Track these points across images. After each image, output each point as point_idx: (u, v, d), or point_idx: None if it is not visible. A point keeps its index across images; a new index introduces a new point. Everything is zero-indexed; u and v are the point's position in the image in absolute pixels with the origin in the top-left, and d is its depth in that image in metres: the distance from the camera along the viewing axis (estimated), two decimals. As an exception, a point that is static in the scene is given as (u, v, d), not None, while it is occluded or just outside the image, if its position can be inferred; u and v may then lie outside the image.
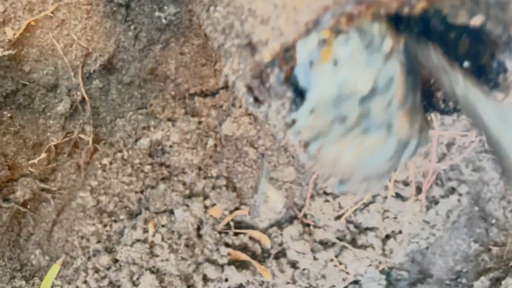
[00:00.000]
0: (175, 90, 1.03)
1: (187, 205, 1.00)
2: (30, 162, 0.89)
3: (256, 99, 0.45)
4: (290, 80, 0.42)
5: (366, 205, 1.02)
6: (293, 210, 1.02)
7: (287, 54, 0.41)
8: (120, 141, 1.00)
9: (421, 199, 1.07)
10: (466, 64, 0.43)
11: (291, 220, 1.02)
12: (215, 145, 1.03)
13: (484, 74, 0.43)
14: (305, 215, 1.02)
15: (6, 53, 0.84)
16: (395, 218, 1.05)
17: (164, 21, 1.00)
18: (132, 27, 0.99)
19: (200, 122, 1.03)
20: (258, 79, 0.42)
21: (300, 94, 0.43)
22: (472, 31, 0.42)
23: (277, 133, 0.46)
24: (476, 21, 0.38)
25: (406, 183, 1.06)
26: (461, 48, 0.43)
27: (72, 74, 0.94)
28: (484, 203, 1.16)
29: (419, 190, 1.07)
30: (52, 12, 0.90)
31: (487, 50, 0.42)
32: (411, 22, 0.47)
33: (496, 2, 0.36)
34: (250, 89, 0.44)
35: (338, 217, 1.02)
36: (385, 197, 1.04)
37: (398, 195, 1.05)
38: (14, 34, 0.85)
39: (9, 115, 0.88)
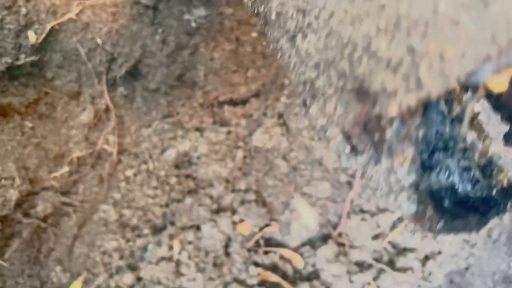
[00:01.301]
0: (204, 98, 0.97)
1: (215, 221, 0.94)
2: (52, 175, 0.84)
3: (354, 148, 0.38)
4: (411, 136, 0.35)
5: (405, 224, 0.96)
6: (327, 229, 0.96)
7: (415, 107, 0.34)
8: (145, 152, 0.94)
9: (462, 217, 1.00)
10: None
11: (324, 239, 0.96)
12: (245, 157, 0.97)
13: None
14: (339, 234, 0.96)
15: (28, 59, 0.78)
16: (434, 237, 0.98)
17: (193, 24, 0.94)
18: (159, 30, 0.93)
19: (229, 132, 0.97)
20: (360, 127, 0.35)
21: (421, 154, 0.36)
22: None
23: (380, 190, 0.40)
24: None
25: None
26: None
27: (96, 81, 0.88)
28: (526, 220, 1.09)
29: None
30: (76, 15, 0.84)
31: None
32: None
33: None
34: (348, 137, 0.37)
35: (375, 237, 0.95)
36: (435, 238, 0.97)
37: (438, 214, 0.98)
38: (37, 39, 0.80)
39: (30, 125, 0.83)
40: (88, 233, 0.92)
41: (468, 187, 0.42)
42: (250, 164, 0.97)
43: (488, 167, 0.43)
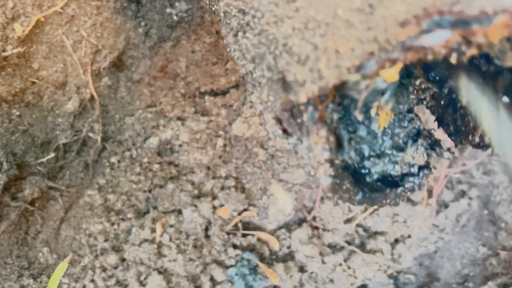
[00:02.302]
0: (185, 88, 1.01)
1: (196, 205, 0.99)
2: (39, 160, 0.88)
3: (285, 131, 0.43)
4: (324, 118, 0.40)
5: (376, 209, 1.01)
6: (302, 213, 1.02)
7: (322, 94, 0.39)
8: (129, 140, 0.99)
9: (432, 203, 1.05)
10: (505, 99, 0.42)
11: (300, 222, 1.01)
12: (225, 145, 1.02)
13: None
14: (314, 218, 1.01)
15: (15, 50, 0.82)
16: (404, 222, 1.04)
17: (175, 18, 0.98)
18: (142, 23, 0.97)
19: (210, 122, 1.01)
20: (288, 112, 0.41)
21: (334, 133, 0.41)
22: None
23: (306, 167, 0.45)
24: None
25: (416, 187, 1.05)
26: (500, 83, 0.42)
27: (81, 71, 0.92)
28: (494, 206, 1.15)
29: (430, 194, 1.06)
30: (61, 8, 0.88)
31: None
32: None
33: None
34: (278, 121, 0.42)
35: (347, 221, 1.01)
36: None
37: (408, 200, 1.04)
38: (23, 31, 0.84)
39: (17, 113, 0.87)
40: (74, 217, 0.97)
41: (386, 164, 0.48)
42: (230, 152, 1.02)
43: (405, 148, 0.48)
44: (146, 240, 0.97)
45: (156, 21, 0.98)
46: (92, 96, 0.94)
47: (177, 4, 0.98)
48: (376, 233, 1.02)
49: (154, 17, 0.98)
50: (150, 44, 0.98)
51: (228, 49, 0.50)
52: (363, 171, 0.47)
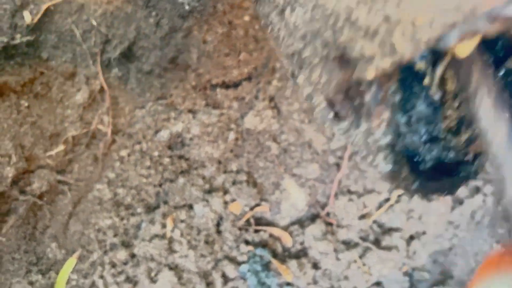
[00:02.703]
0: (197, 80, 0.99)
1: (207, 200, 0.97)
2: (48, 153, 0.86)
3: (337, 114, 0.41)
4: (387, 99, 0.37)
5: (391, 205, 0.99)
6: (315, 208, 0.99)
7: (392, 71, 0.36)
8: (139, 133, 0.96)
9: (447, 199, 1.03)
10: None
11: (313, 218, 0.99)
12: (236, 139, 0.99)
13: None
14: (328, 214, 0.99)
15: (24, 39, 0.80)
16: (419, 218, 1.02)
17: (187, 7, 0.96)
18: (153, 13, 0.94)
19: (221, 115, 0.99)
20: (342, 94, 0.38)
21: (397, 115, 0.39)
22: None
23: (360, 153, 0.42)
24: None
25: (432, 183, 1.03)
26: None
27: (90, 62, 0.90)
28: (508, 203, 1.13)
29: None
30: (71, -4, 0.85)
31: None
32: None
33: None
34: (331, 103, 0.40)
35: (362, 217, 0.99)
36: (411, 197, 1.00)
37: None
38: (32, 19, 0.81)
39: (26, 104, 0.84)
40: (83, 211, 0.95)
41: (442, 151, 0.45)
42: (242, 146, 1.00)
43: (459, 132, 0.45)
44: (156, 236, 0.94)
45: (168, 11, 0.95)
46: (101, 88, 0.91)
47: (189, -7, 0.95)
48: (391, 229, 1.00)
49: (166, 6, 0.95)
50: (161, 35, 0.96)
51: (269, 30, 0.48)
52: (419, 158, 0.45)
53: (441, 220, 1.04)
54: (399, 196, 1.00)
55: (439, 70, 0.36)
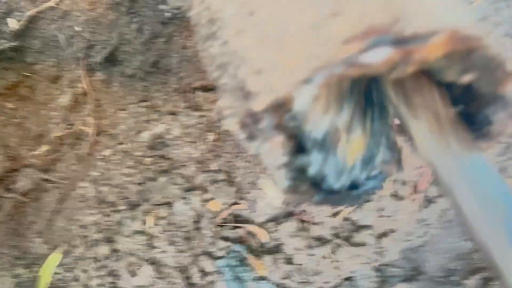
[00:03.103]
0: (178, 83, 1.03)
1: (187, 198, 1.01)
2: (32, 153, 0.90)
3: (249, 135, 0.46)
4: (282, 125, 0.43)
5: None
6: (290, 207, 1.04)
7: (278, 103, 0.42)
8: (122, 134, 1.01)
9: (418, 198, 1.08)
10: (460, 107, 0.44)
11: (287, 216, 1.04)
12: (216, 140, 1.04)
13: (471, 123, 0.45)
14: (301, 212, 1.03)
15: (9, 44, 0.84)
16: (390, 216, 1.06)
17: (167, 14, 1.00)
18: (135, 19, 0.98)
19: (201, 117, 1.03)
20: (250, 118, 0.43)
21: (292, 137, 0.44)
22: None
23: (269, 169, 0.47)
24: (466, 79, 0.40)
25: (403, 182, 1.08)
26: (456, 90, 0.44)
27: (74, 66, 0.94)
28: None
29: (415, 189, 1.09)
30: (55, 4, 0.89)
31: (476, 102, 0.44)
32: None
33: (486, 63, 0.38)
34: (242, 126, 0.45)
35: (334, 215, 1.03)
36: (381, 196, 1.05)
37: (394, 194, 1.06)
38: (18, 26, 0.85)
39: (11, 106, 0.89)
40: (68, 208, 0.99)
41: (336, 175, 0.50)
42: (221, 146, 1.04)
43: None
44: (137, 232, 0.99)
45: (149, 18, 0.99)
46: (85, 91, 0.96)
47: (169, 1, 1.00)
48: (362, 227, 1.04)
49: (147, 13, 0.99)
50: (143, 40, 1.00)
51: (200, 55, 0.53)
52: (316, 177, 0.50)
53: (412, 218, 1.08)
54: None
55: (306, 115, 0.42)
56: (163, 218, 1.00)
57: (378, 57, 0.35)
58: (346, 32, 0.35)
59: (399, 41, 0.35)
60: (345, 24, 0.36)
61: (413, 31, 0.34)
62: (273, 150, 0.43)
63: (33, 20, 0.88)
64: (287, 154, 0.43)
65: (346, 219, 1.04)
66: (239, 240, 1.02)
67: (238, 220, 1.03)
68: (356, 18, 0.35)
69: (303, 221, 1.03)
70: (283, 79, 0.38)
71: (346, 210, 1.02)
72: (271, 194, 1.04)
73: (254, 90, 0.40)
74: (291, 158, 0.43)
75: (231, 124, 0.46)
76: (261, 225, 1.03)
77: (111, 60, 0.99)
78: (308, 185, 0.47)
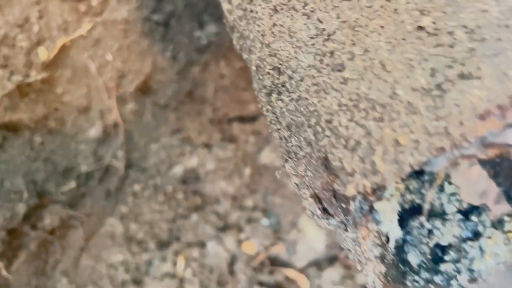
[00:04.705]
0: (213, 114, 0.97)
1: (220, 238, 0.94)
2: (60, 189, 0.85)
3: (326, 210, 0.37)
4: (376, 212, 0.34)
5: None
6: (334, 250, 0.95)
7: (380, 190, 0.33)
8: (153, 167, 0.95)
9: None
10: None
11: (331, 260, 0.94)
12: (252, 174, 0.96)
13: None
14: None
15: (39, 76, 0.80)
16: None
17: (204, 41, 0.94)
18: (170, 47, 0.93)
19: (237, 149, 0.96)
20: (330, 192, 0.34)
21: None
22: None
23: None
24: None
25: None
26: None
27: (105, 96, 0.89)
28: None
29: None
30: (87, 32, 0.85)
31: None
32: None
33: None
34: (318, 199, 0.36)
35: (383, 261, 0.93)
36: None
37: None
38: (48, 56, 0.81)
39: (40, 140, 0.84)
40: (95, 246, 0.93)
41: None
42: (258, 181, 0.97)
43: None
44: (168, 274, 0.92)
45: (184, 45, 0.94)
46: (116, 122, 0.90)
47: (206, 27, 0.94)
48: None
49: (183, 40, 0.94)
50: (177, 68, 0.94)
51: (260, 107, 0.44)
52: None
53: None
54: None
55: (429, 196, 0.32)
56: (194, 259, 0.93)
57: None
58: (483, 102, 0.26)
59: None
60: (480, 91, 0.26)
61: None
62: (364, 240, 0.33)
63: (64, 49, 0.84)
64: (382, 245, 0.33)
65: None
66: (277, 286, 0.93)
67: (276, 263, 0.95)
68: (495, 83, 0.26)
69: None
70: (391, 159, 0.28)
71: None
72: (312, 236, 0.95)
73: (346, 168, 0.30)
74: (386, 248, 0.33)
75: (303, 196, 0.37)
76: (301, 270, 0.94)
77: (143, 89, 0.94)
78: (399, 274, 0.36)
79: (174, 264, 0.93)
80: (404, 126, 0.28)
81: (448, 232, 0.34)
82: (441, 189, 0.34)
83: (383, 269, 0.34)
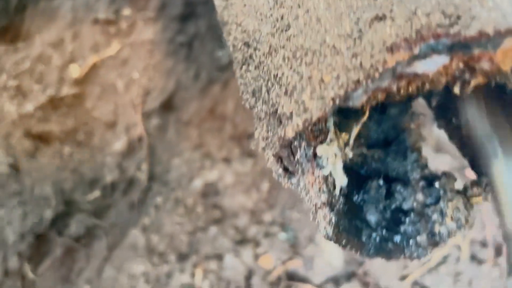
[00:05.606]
0: (233, 130, 1.00)
1: (238, 251, 0.95)
2: (86, 198, 0.90)
3: (286, 170, 0.39)
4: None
5: (436, 266, 0.91)
6: (351, 266, 0.94)
7: (316, 127, 0.35)
8: (175, 181, 0.98)
9: (501, 263, 0.93)
10: None
11: (349, 277, 0.93)
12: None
13: None
14: (365, 273, 0.93)
15: (70, 92, 0.86)
16: (469, 283, 0.92)
17: (225, 60, 0.99)
18: (193, 66, 0.99)
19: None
20: (287, 149, 0.37)
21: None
22: None
23: (309, 210, 0.40)
24: None
25: (483, 244, 0.94)
26: None
27: (131, 112, 0.94)
28: None
29: (498, 252, 0.94)
30: (116, 52, 0.92)
31: None
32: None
33: None
34: (279, 158, 0.39)
35: (402, 278, 0.91)
36: (458, 259, 0.92)
37: (473, 257, 0.92)
38: (80, 73, 0.88)
39: (69, 151, 0.90)
40: (118, 257, 0.97)
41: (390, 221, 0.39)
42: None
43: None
44: (186, 285, 0.93)
45: (206, 64, 0.99)
46: (141, 137, 0.95)
47: (227, 47, 0.99)
48: (435, 293, 0.91)
49: (205, 60, 0.99)
50: (199, 86, 0.99)
51: (238, 83, 0.48)
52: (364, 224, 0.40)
53: (494, 286, 0.93)
54: (445, 257, 0.92)
55: (355, 131, 0.34)
56: (212, 272, 0.94)
57: (434, 66, 0.28)
58: (392, 37, 0.28)
59: (459, 46, 0.28)
60: (390, 29, 0.29)
61: (477, 31, 0.27)
62: (311, 186, 0.35)
63: (94, 68, 0.90)
64: (328, 190, 0.35)
65: (416, 283, 0.92)
66: (293, 301, 0.92)
67: (293, 279, 0.94)
68: (404, 21, 0.28)
69: (367, 284, 0.92)
70: (317, 96, 0.31)
71: (415, 273, 0.90)
72: (330, 251, 0.95)
73: (286, 112, 0.33)
74: (334, 195, 0.35)
75: (267, 157, 0.40)
76: (318, 286, 0.93)
77: (167, 106, 0.99)
78: (353, 227, 0.37)
79: (193, 276, 0.94)
80: (328, 66, 0.30)
81: (409, 197, 0.35)
82: (404, 156, 0.35)
83: (333, 217, 0.35)
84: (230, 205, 0.98)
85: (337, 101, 0.30)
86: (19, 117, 0.85)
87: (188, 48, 0.98)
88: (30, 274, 0.85)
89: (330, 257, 0.95)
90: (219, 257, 0.95)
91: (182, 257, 0.97)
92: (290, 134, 0.33)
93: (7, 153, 0.84)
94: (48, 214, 0.86)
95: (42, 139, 0.86)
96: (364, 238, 0.37)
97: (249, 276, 0.94)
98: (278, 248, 0.95)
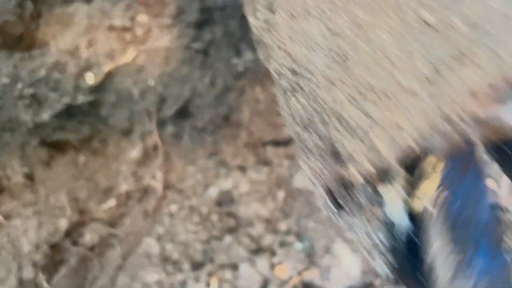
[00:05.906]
0: (248, 138, 0.99)
1: (253, 261, 0.94)
2: (101, 207, 0.89)
3: (339, 205, 0.38)
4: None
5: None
6: (369, 277, 0.92)
7: (382, 173, 0.34)
8: (190, 189, 0.97)
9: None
10: None
11: (366, 287, 0.92)
12: (286, 198, 0.97)
13: None
14: (382, 284, 0.91)
15: (86, 99, 0.86)
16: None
17: (241, 68, 0.98)
18: (208, 73, 0.98)
19: (271, 173, 0.98)
20: (342, 185, 0.35)
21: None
22: None
23: (361, 248, 0.38)
24: None
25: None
26: None
27: (147, 120, 0.94)
28: None
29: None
30: (131, 59, 0.91)
31: None
32: None
33: None
34: (331, 193, 0.37)
35: (421, 290, 0.89)
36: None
37: None
38: (95, 81, 0.87)
39: (84, 160, 0.89)
40: (132, 265, 0.96)
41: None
42: (291, 205, 0.97)
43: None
44: (200, 295, 0.93)
45: (222, 71, 0.98)
46: (156, 144, 0.95)
47: (243, 54, 0.98)
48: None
49: (220, 67, 0.98)
50: (215, 94, 0.98)
51: (281, 110, 0.47)
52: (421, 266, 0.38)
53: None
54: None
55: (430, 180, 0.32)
56: (227, 281, 0.93)
57: None
58: (476, 82, 0.27)
59: None
60: (474, 72, 0.27)
61: None
62: (367, 223, 0.34)
63: (110, 75, 0.90)
64: (387, 232, 0.33)
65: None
66: (310, 312, 0.91)
67: (309, 288, 0.93)
68: (490, 64, 0.27)
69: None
70: (393, 142, 0.30)
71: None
72: (347, 261, 0.93)
73: (352, 154, 0.32)
74: (392, 238, 0.33)
75: (317, 191, 0.38)
76: (335, 296, 0.92)
77: (182, 113, 0.98)
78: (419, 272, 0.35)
79: (207, 285, 0.93)
80: (404, 108, 0.29)
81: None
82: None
83: (390, 257, 0.33)
84: (245, 213, 0.97)
85: (417, 149, 0.28)
86: (35, 126, 0.84)
87: (204, 55, 0.97)
88: (44, 284, 0.85)
89: (347, 267, 0.93)
90: (234, 266, 0.94)
91: (197, 266, 0.96)
92: (353, 174, 0.31)
93: (22, 162, 0.83)
94: (63, 223, 0.85)
95: (57, 148, 0.86)
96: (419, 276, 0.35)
97: (264, 286, 0.93)
98: (294, 257, 0.94)
